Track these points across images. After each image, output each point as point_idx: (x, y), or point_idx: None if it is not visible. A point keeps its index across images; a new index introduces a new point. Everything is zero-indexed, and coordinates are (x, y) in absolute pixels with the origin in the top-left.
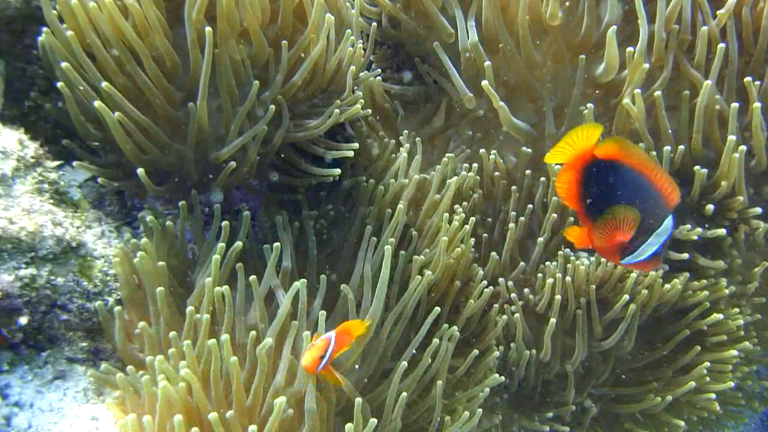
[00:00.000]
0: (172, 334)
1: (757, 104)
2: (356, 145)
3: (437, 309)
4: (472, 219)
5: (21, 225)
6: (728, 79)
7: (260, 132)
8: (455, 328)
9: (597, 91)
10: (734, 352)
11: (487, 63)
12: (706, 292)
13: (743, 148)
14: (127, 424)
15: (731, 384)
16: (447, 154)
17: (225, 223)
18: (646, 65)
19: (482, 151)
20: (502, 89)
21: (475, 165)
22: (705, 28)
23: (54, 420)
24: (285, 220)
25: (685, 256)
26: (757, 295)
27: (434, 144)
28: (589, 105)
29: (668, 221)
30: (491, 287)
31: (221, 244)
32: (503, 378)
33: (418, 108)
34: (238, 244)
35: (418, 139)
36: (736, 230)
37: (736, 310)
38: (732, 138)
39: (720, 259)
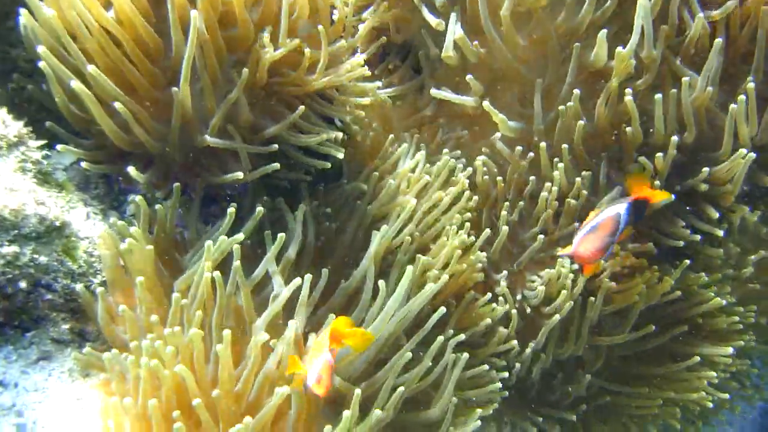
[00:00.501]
0: (154, 318)
1: (742, 97)
2: (342, 151)
3: (443, 309)
4: (487, 231)
5: (3, 203)
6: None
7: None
8: (462, 336)
9: (579, 77)
10: (730, 350)
11: (470, 77)
12: (713, 290)
13: (751, 155)
14: (110, 407)
15: (727, 395)
16: (443, 156)
17: (231, 210)
18: (633, 61)
19: (478, 162)
20: (488, 75)
21: (469, 169)
22: (700, 15)
23: (39, 399)
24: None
25: (681, 243)
26: (752, 282)
27: (422, 131)
28: (575, 91)
29: (617, 207)
30: (504, 306)
31: (222, 237)
32: (506, 393)
33: (407, 94)
34: (239, 236)
35: (422, 152)
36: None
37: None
38: (743, 151)
39: (713, 246)
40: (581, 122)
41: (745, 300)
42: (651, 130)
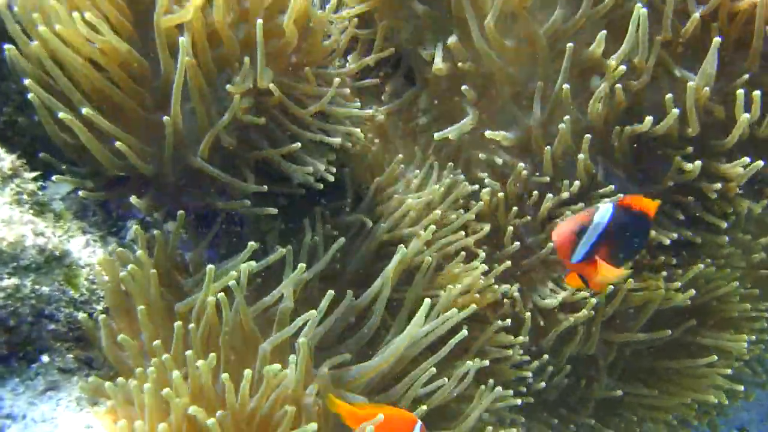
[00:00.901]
0: (156, 344)
1: (741, 92)
2: (333, 174)
3: (464, 332)
4: (507, 263)
5: (1, 236)
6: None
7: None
8: (486, 362)
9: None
10: (744, 342)
11: (465, 87)
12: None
13: (759, 164)
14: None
15: (742, 387)
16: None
17: (252, 244)
18: (623, 68)
19: (484, 192)
20: (479, 80)
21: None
22: (696, 15)
23: (48, 430)
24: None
25: (674, 235)
26: (763, 268)
27: (417, 141)
28: (565, 86)
29: (602, 211)
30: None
31: (232, 273)
32: (522, 419)
33: (401, 102)
34: (251, 264)
35: (437, 187)
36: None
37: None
38: (746, 160)
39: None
40: (588, 136)
41: (757, 286)
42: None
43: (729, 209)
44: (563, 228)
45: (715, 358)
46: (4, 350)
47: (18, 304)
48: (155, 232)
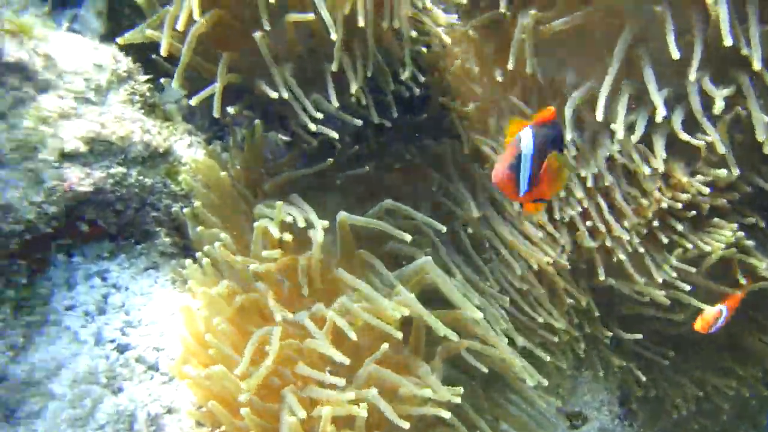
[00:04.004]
0: (224, 236)
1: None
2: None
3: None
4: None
5: (112, 129)
6: None
7: None
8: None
9: None
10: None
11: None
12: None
13: None
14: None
15: None
16: None
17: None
18: None
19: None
20: None
21: None
22: None
23: (144, 302)
24: None
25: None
26: None
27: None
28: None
29: (525, 138)
30: None
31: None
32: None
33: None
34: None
35: None
36: None
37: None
38: None
39: None
40: None
41: None
42: None
43: None
44: (499, 169)
45: None
46: (113, 230)
47: (124, 191)
48: (242, 130)
